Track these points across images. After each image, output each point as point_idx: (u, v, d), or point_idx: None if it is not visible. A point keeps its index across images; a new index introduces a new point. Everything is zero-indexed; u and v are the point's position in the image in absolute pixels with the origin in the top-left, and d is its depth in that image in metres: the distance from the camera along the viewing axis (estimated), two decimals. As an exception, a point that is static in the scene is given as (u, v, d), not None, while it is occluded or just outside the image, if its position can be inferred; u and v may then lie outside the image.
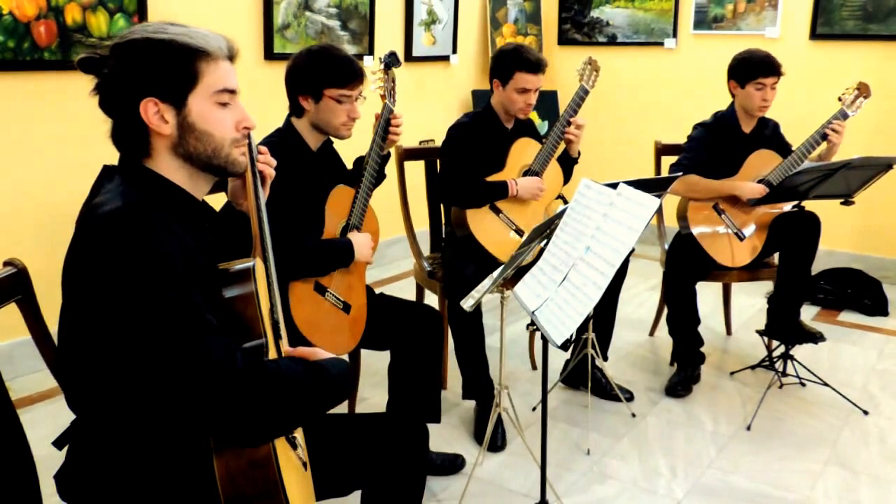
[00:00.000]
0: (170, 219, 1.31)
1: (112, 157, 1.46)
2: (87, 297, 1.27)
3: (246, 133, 1.44)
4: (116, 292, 1.22)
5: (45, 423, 2.72)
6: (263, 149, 1.64)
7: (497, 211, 2.96)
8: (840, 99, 3.12)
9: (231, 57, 1.42)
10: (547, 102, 5.28)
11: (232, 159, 1.42)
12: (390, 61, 2.50)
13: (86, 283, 1.27)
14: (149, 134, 1.37)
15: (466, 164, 2.93)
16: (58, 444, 1.46)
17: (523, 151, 3.02)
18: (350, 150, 2.60)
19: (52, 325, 1.65)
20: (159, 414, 1.31)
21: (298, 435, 1.51)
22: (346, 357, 2.43)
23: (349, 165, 2.59)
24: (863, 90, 3.09)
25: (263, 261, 1.49)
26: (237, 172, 1.46)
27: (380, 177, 2.50)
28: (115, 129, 1.40)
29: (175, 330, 1.22)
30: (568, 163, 3.11)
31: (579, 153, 3.10)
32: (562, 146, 3.03)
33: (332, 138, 2.44)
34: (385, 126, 2.46)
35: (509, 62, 2.90)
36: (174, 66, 1.34)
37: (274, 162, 1.60)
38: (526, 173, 3.01)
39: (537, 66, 2.89)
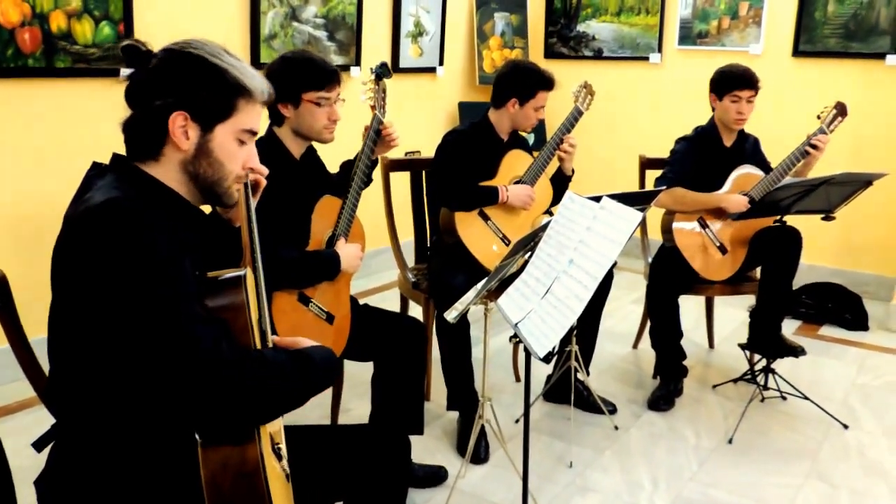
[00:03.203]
0: (157, 218, 1.31)
1: (95, 161, 1.45)
2: (76, 287, 1.28)
3: (248, 173, 1.49)
4: (106, 279, 1.23)
5: (23, 432, 2.68)
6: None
7: (486, 218, 2.97)
8: (819, 117, 3.16)
9: (265, 103, 1.47)
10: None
11: (230, 193, 1.47)
12: (381, 72, 2.50)
13: (75, 272, 1.27)
14: (165, 141, 1.39)
15: (459, 168, 2.95)
16: (37, 446, 1.45)
17: (515, 163, 3.04)
18: (335, 156, 2.60)
19: (31, 333, 1.64)
20: (147, 408, 1.31)
21: (283, 446, 1.51)
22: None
23: (333, 172, 2.59)
24: (840, 110, 3.14)
25: (253, 270, 1.49)
26: (228, 205, 1.50)
27: (367, 182, 2.50)
28: (131, 121, 1.41)
29: (163, 318, 1.22)
30: (562, 181, 3.13)
31: (573, 171, 3.12)
32: (553, 165, 3.06)
33: (316, 144, 2.44)
34: (374, 137, 2.46)
35: (533, 82, 2.93)
36: (217, 94, 1.39)
37: (265, 170, 1.60)
38: (516, 184, 3.02)
39: (554, 83, 2.97)
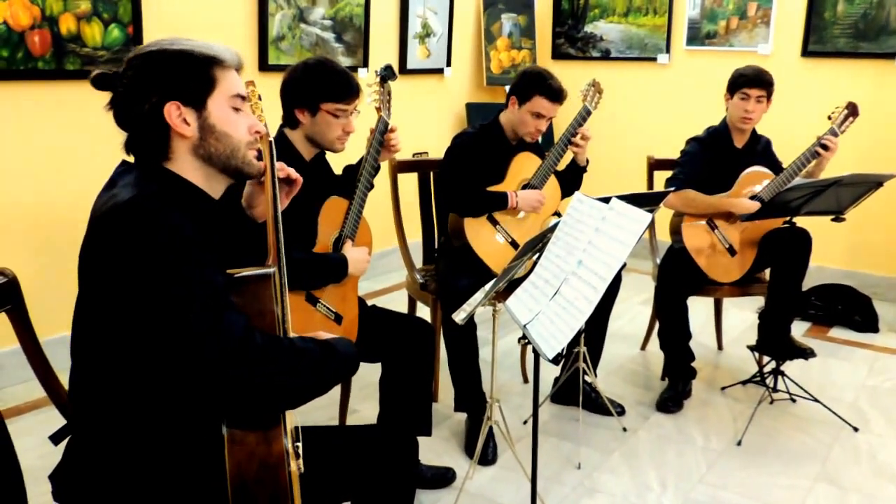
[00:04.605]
0: (182, 213, 1.33)
1: (104, 165, 1.46)
2: (105, 285, 1.31)
3: (257, 137, 1.52)
4: (135, 275, 1.26)
5: (34, 432, 2.70)
6: (282, 164, 1.70)
7: (494, 222, 2.97)
8: (830, 118, 3.15)
9: (239, 68, 1.51)
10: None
11: (248, 160, 1.50)
12: (386, 74, 2.50)
13: (103, 270, 1.30)
14: (169, 137, 1.42)
15: (467, 173, 2.94)
16: (54, 438, 1.48)
17: (523, 165, 3.03)
18: (342, 158, 2.60)
19: (42, 334, 1.65)
20: (172, 401, 1.34)
21: (300, 444, 1.52)
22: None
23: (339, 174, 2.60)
24: (851, 110, 3.13)
25: (279, 269, 1.50)
26: (252, 174, 1.53)
27: (370, 187, 2.51)
28: (131, 140, 1.45)
29: (195, 307, 1.25)
30: (577, 172, 3.13)
31: (587, 161, 3.12)
32: (561, 164, 3.06)
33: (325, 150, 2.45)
34: (380, 139, 2.46)
35: (531, 84, 2.90)
36: (194, 72, 1.42)
37: (264, 129, 1.63)
38: (524, 187, 3.02)
39: (557, 96, 2.91)
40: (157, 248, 1.26)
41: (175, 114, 1.40)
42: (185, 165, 1.44)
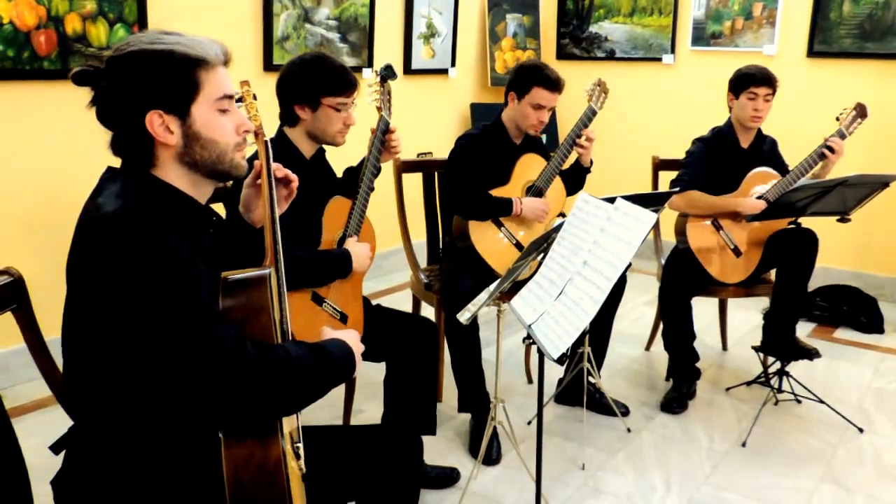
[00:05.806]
0: (169, 223, 1.31)
1: (110, 165, 1.46)
2: (93, 295, 1.29)
3: (245, 136, 1.46)
4: (123, 288, 1.24)
5: (40, 431, 2.70)
6: (278, 165, 1.66)
7: (499, 224, 2.97)
8: (838, 119, 3.14)
9: (226, 62, 1.44)
10: (545, 116, 5.29)
11: (235, 163, 1.45)
12: (386, 74, 2.50)
13: (91, 281, 1.28)
14: (153, 144, 1.38)
15: (472, 175, 2.94)
16: (55, 448, 1.47)
17: (528, 167, 3.03)
18: (341, 158, 2.61)
19: (48, 333, 1.65)
20: (165, 408, 1.32)
21: (301, 445, 1.52)
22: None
23: (339, 175, 2.60)
24: (860, 111, 3.12)
25: (276, 270, 1.49)
26: (239, 176, 1.48)
27: (371, 188, 2.51)
28: (115, 140, 1.41)
29: (184, 321, 1.24)
30: (580, 173, 3.13)
31: (591, 162, 3.12)
32: (566, 164, 3.06)
33: (325, 147, 2.44)
34: (381, 138, 2.46)
35: (528, 77, 2.91)
36: (175, 78, 1.35)
37: (252, 126, 1.58)
38: (529, 188, 3.02)
39: (555, 85, 2.91)
40: (141, 263, 1.23)
41: (157, 122, 1.35)
42: (171, 172, 1.40)
